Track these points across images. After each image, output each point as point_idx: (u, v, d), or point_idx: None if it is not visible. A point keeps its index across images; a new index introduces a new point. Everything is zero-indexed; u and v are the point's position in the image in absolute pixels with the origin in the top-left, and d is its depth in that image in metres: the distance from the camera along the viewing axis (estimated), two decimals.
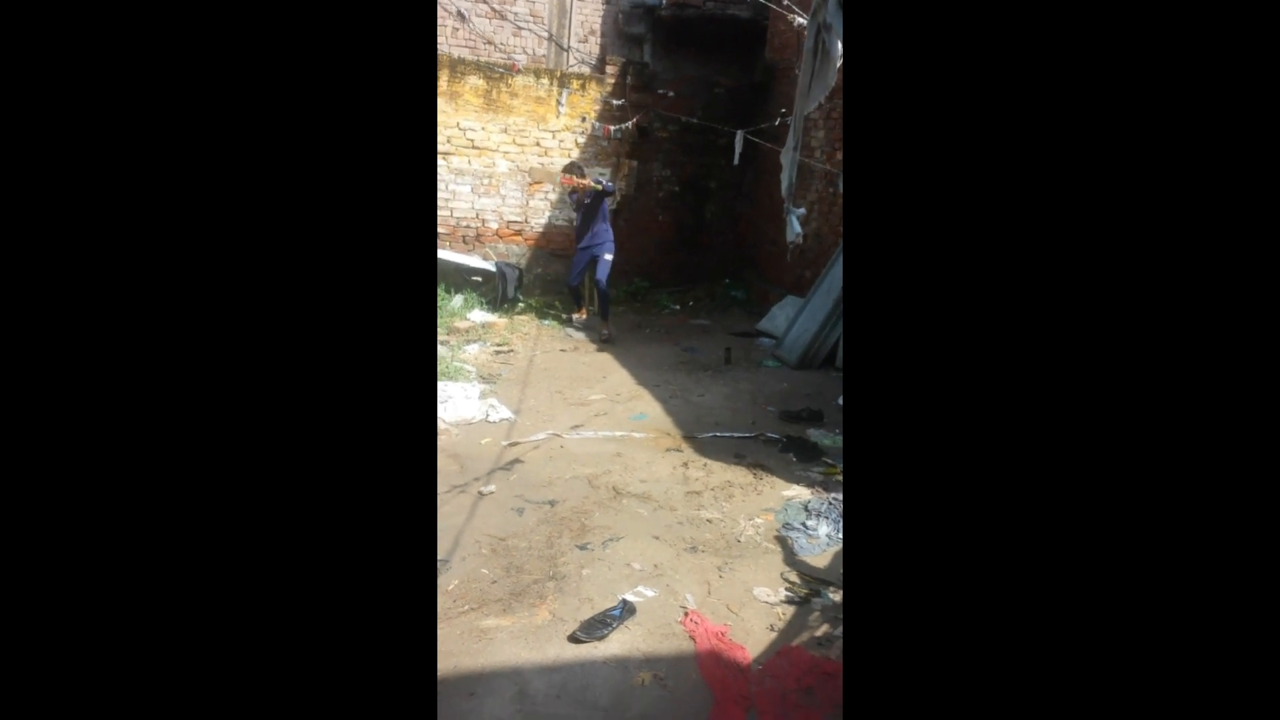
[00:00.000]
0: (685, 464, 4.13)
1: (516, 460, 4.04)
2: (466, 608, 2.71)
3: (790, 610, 2.82)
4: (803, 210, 4.87)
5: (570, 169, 6.75)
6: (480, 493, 3.64)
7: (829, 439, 4.54)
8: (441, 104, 7.56)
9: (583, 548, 3.19)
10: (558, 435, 4.43)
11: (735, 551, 3.22)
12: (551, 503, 3.59)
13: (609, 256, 6.58)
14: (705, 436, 4.53)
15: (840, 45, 3.73)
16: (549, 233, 8.05)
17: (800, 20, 4.62)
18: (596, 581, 2.93)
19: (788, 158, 4.47)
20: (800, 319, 6.25)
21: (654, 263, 8.42)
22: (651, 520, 3.47)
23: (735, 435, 4.55)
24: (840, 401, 5.19)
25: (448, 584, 2.86)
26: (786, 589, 2.95)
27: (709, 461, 4.17)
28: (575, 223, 6.95)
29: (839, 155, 6.71)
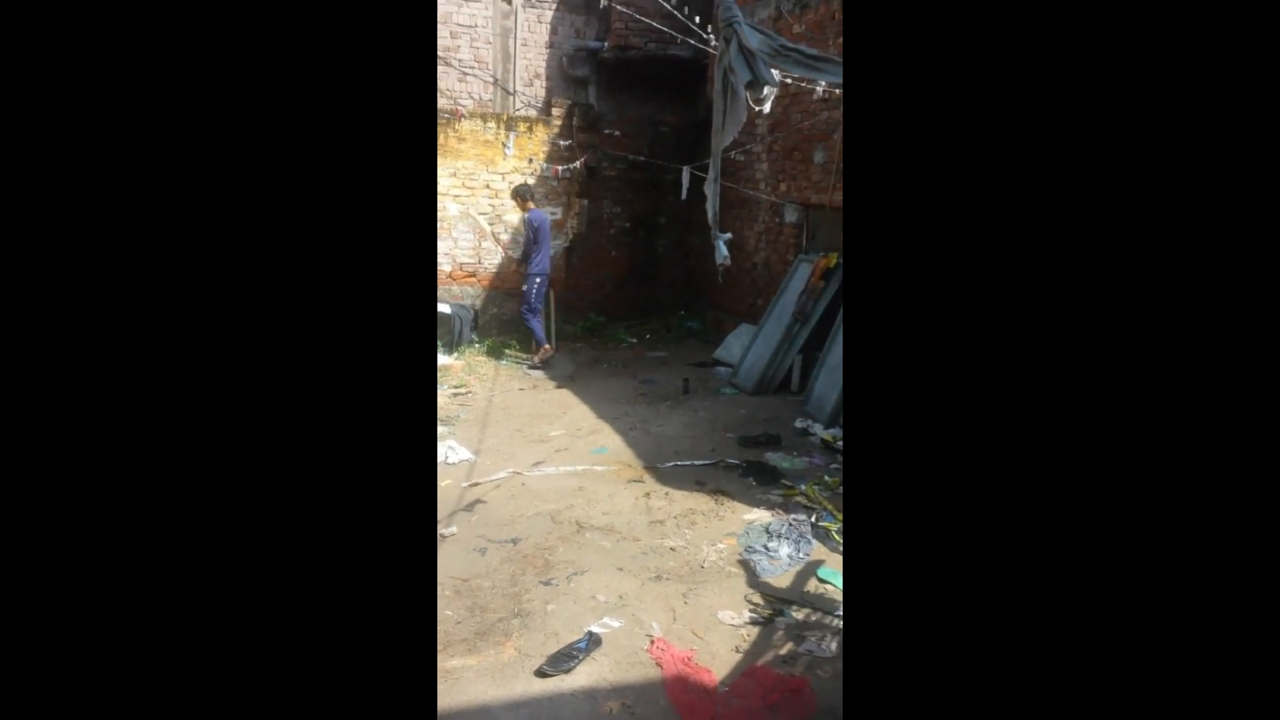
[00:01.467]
0: (648, 494, 4.15)
1: (478, 501, 4.03)
2: None
3: (755, 631, 2.85)
4: (729, 235, 5.06)
5: (519, 191, 6.89)
6: (441, 535, 3.61)
7: (787, 462, 4.61)
8: None
9: (547, 583, 3.18)
10: (519, 473, 4.42)
11: (699, 577, 3.25)
12: (514, 541, 3.58)
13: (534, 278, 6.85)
14: (667, 466, 4.56)
15: (743, 89, 3.93)
16: (502, 273, 8.09)
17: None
18: (562, 616, 2.92)
19: (710, 188, 4.69)
20: (754, 346, 6.37)
21: (609, 298, 8.50)
22: (615, 552, 3.48)
23: (696, 463, 4.60)
24: (796, 424, 5.28)
25: None
26: (750, 610, 2.98)
27: (671, 490, 4.20)
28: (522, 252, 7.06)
29: (782, 187, 6.91)
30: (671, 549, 3.52)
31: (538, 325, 6.92)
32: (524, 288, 6.88)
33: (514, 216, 8.10)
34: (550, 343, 7.05)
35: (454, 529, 3.68)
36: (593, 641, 2.70)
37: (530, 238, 6.73)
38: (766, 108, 3.99)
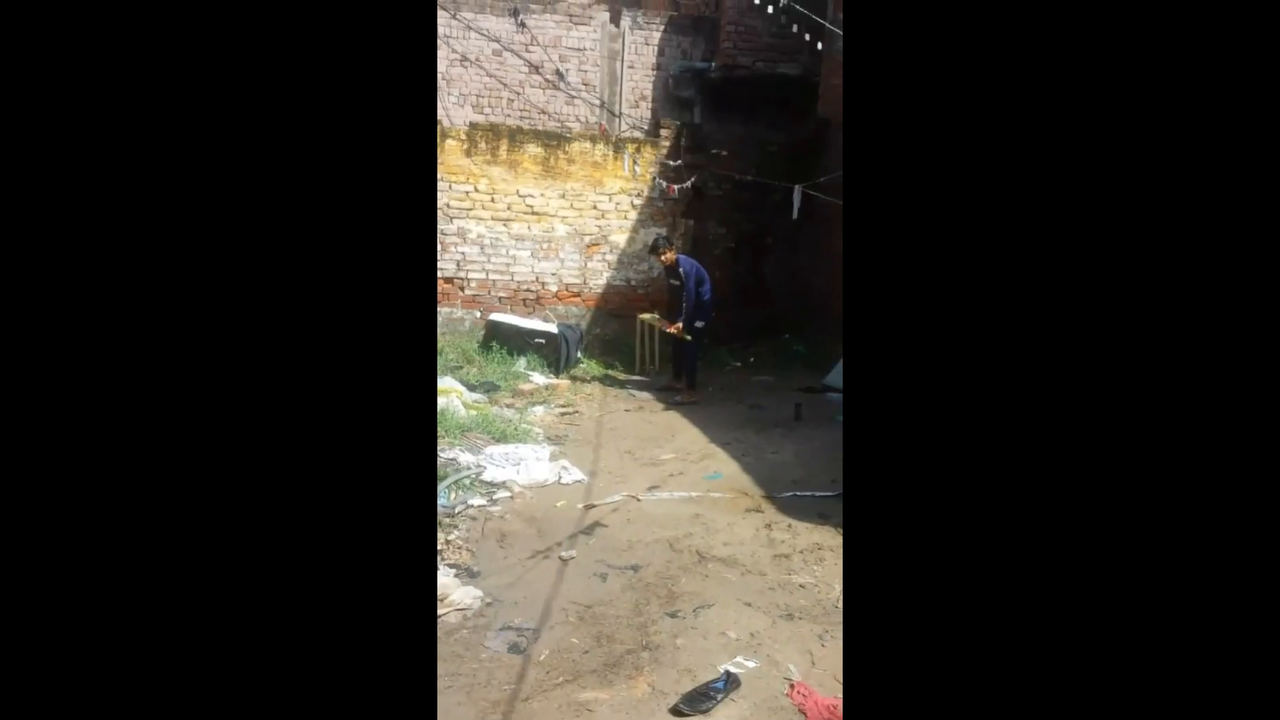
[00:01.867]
0: (768, 525, 3.99)
1: (596, 524, 3.95)
2: (561, 679, 2.60)
3: None
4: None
5: (657, 245, 6.70)
6: (562, 558, 3.55)
7: None
8: (501, 172, 7.76)
9: (673, 615, 3.06)
10: (634, 497, 4.33)
11: (835, 618, 3.06)
12: (635, 568, 3.48)
13: (697, 324, 6.56)
14: (785, 496, 4.39)
15: None
16: (607, 294, 8.10)
17: None
18: (692, 651, 2.80)
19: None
20: None
21: (713, 321, 8.37)
22: (741, 586, 3.33)
23: (816, 494, 4.40)
24: None
25: (539, 654, 2.76)
26: None
27: (793, 522, 4.02)
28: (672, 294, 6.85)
29: None
30: (801, 586, 3.35)
31: (694, 368, 6.67)
32: (689, 334, 6.53)
33: (620, 238, 8.11)
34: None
35: (574, 552, 3.61)
36: (731, 682, 2.56)
37: (692, 286, 6.44)
38: None
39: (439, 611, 2.98)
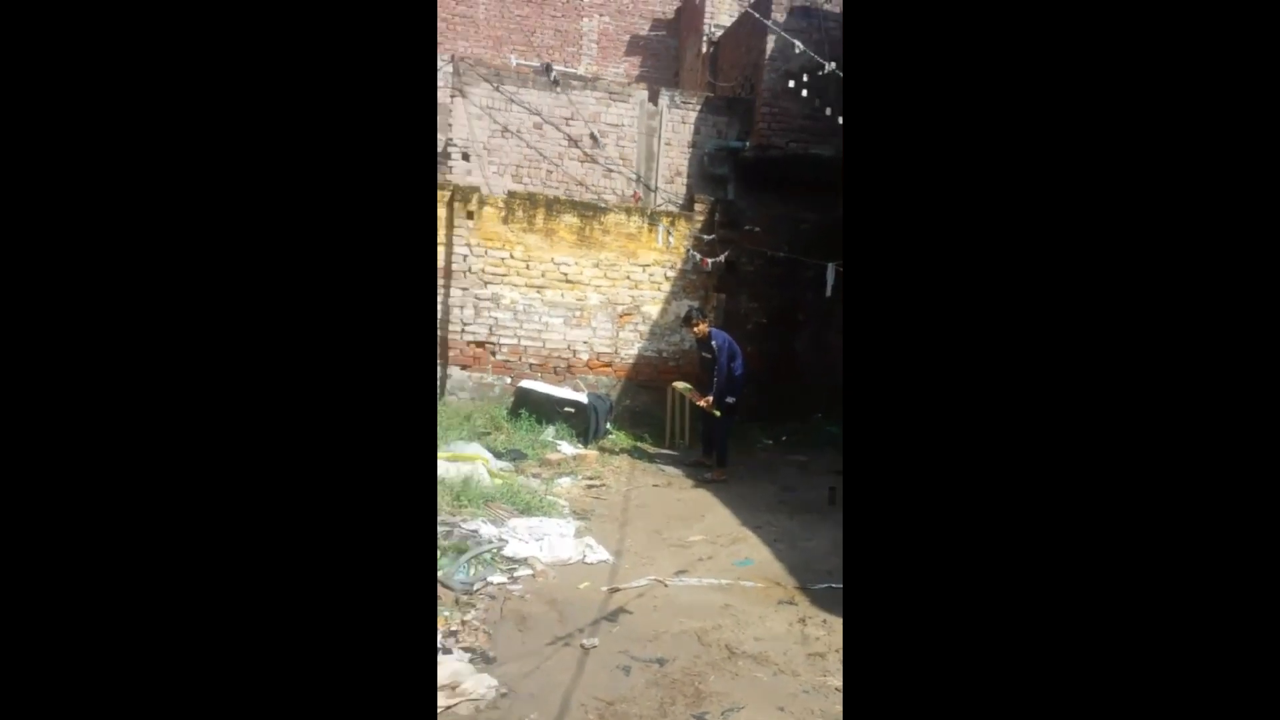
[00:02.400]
0: (802, 620, 3.76)
1: (620, 609, 3.76)
2: None
3: None
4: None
5: (690, 316, 6.64)
6: (583, 646, 3.36)
7: None
8: (537, 240, 7.83)
9: (699, 718, 2.85)
10: (660, 581, 4.14)
11: None
12: (660, 661, 3.27)
13: (728, 400, 6.42)
14: (820, 588, 4.16)
15: None
16: (639, 364, 8.04)
17: None
18: None
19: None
20: None
21: (744, 396, 8.25)
22: (772, 687, 3.11)
23: None
24: None
25: None
26: None
27: (829, 617, 3.79)
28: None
29: None
30: (837, 689, 3.11)
31: (724, 445, 6.51)
32: (719, 409, 6.43)
33: (652, 309, 8.09)
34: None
35: (596, 640, 3.42)
36: None
37: (724, 361, 6.36)
38: None
39: (448, 702, 2.80)
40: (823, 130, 8.54)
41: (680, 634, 3.54)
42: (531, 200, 7.94)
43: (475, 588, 3.81)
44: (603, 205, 8.15)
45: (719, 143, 9.73)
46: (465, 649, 3.24)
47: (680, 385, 7.27)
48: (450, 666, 3.01)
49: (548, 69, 9.53)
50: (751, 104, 9.55)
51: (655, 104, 9.89)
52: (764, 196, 9.13)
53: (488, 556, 4.16)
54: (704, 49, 12.50)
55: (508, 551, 4.25)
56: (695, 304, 7.72)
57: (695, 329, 6.55)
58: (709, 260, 7.93)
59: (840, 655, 3.40)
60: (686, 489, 6.07)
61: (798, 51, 8.51)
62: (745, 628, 3.63)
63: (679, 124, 10.06)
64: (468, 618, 3.50)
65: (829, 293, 7.59)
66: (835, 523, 5.32)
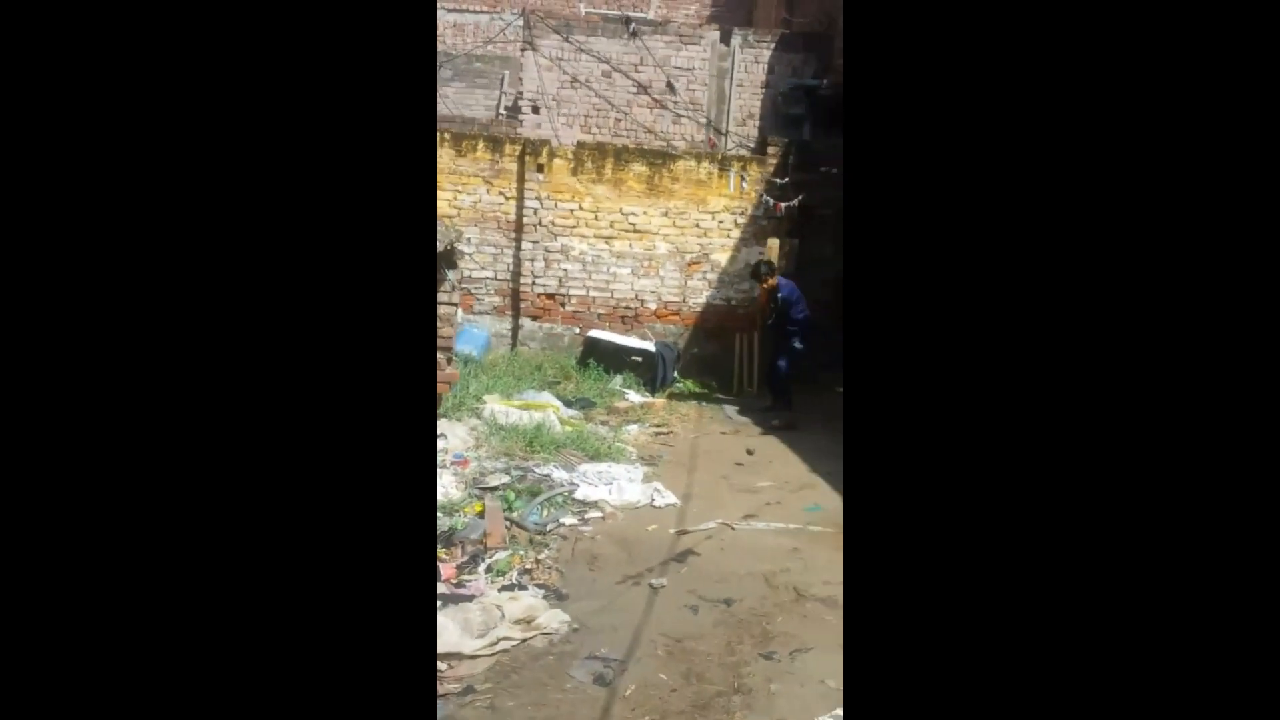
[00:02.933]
0: None
1: (688, 551, 3.81)
2: (647, 717, 2.47)
3: None
4: None
5: (759, 271, 6.56)
6: (652, 586, 3.42)
7: None
8: (605, 190, 7.79)
9: (768, 657, 2.88)
10: (728, 525, 4.16)
11: None
12: (728, 602, 3.31)
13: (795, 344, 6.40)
14: None
15: None
16: (707, 312, 7.98)
17: None
18: (788, 699, 2.60)
19: None
20: None
21: (818, 343, 8.11)
22: (841, 630, 3.10)
23: None
24: None
25: (624, 688, 2.63)
26: None
27: None
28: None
29: None
30: None
31: (788, 388, 6.52)
32: (784, 359, 6.47)
33: (721, 256, 7.98)
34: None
35: (664, 580, 3.47)
36: None
37: (792, 311, 6.38)
38: None
39: (524, 635, 2.90)
40: None
41: (747, 576, 3.56)
42: (600, 150, 7.88)
43: (548, 528, 3.92)
44: (672, 152, 8.02)
45: (794, 81, 9.41)
46: (539, 586, 3.35)
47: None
48: (525, 602, 3.12)
49: (626, 21, 9.33)
50: (830, 39, 9.17)
51: (727, 44, 9.62)
52: (842, 137, 8.82)
53: (559, 499, 4.26)
54: None
55: (578, 495, 4.34)
56: (764, 255, 7.59)
57: (766, 283, 6.45)
58: (782, 205, 7.73)
59: None
60: (754, 435, 6.05)
61: None
62: (813, 571, 3.63)
63: (752, 64, 9.77)
64: (541, 556, 3.61)
65: None
66: None
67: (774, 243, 7.34)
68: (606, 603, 3.25)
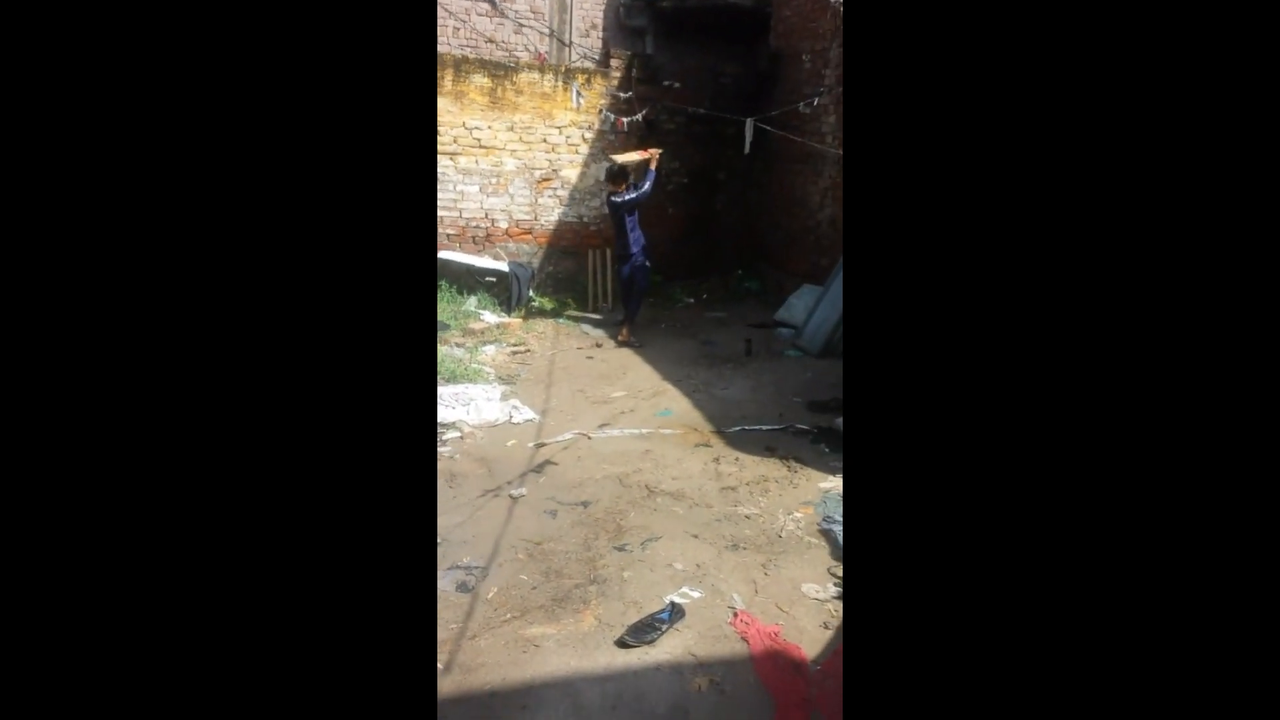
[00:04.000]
0: (716, 459, 4.05)
1: (546, 462, 3.97)
2: (509, 615, 2.64)
3: (841, 605, 2.74)
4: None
5: (614, 174, 6.41)
6: (512, 496, 3.57)
7: None
8: (446, 104, 7.48)
9: (621, 549, 3.11)
10: (584, 435, 4.35)
11: (778, 548, 3.14)
12: (584, 504, 3.51)
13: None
14: (734, 430, 4.45)
15: None
16: (560, 230, 7.97)
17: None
18: (639, 584, 2.85)
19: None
20: (820, 307, 6.17)
21: (665, 256, 8.32)
22: (688, 518, 3.39)
23: (764, 428, 4.47)
24: None
25: (487, 592, 2.78)
26: (835, 584, 2.87)
27: (741, 455, 4.09)
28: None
29: None
30: (746, 517, 3.42)
31: (635, 306, 6.51)
32: (629, 268, 6.36)
33: (571, 172, 7.94)
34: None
35: (524, 490, 3.63)
36: (676, 613, 2.62)
37: (633, 194, 6.23)
38: None
39: None
40: None
41: (603, 479, 3.78)
42: (439, 61, 7.52)
43: None
44: (514, 64, 7.78)
45: None
46: None
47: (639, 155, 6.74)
48: None
49: None
50: None
51: None
52: (684, 50, 8.85)
53: None
54: None
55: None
56: (619, 161, 7.62)
57: (620, 187, 6.44)
58: (624, 121, 7.74)
59: (749, 488, 3.70)
60: (609, 349, 6.23)
61: None
62: (664, 469, 3.90)
63: None
64: None
65: (747, 150, 7.57)
66: (750, 372, 5.60)
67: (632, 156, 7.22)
68: (467, 516, 3.37)
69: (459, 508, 3.45)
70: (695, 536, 3.23)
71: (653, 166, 6.33)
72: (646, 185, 6.25)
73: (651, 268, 6.57)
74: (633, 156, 6.58)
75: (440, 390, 4.78)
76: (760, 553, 3.10)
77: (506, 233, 7.85)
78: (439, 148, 7.53)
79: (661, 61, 8.35)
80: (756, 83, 8.26)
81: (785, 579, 2.90)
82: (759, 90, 8.19)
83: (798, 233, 7.58)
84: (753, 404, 4.93)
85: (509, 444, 4.20)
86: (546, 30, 9.36)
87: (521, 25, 9.34)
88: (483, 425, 4.43)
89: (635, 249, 6.33)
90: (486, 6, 9.15)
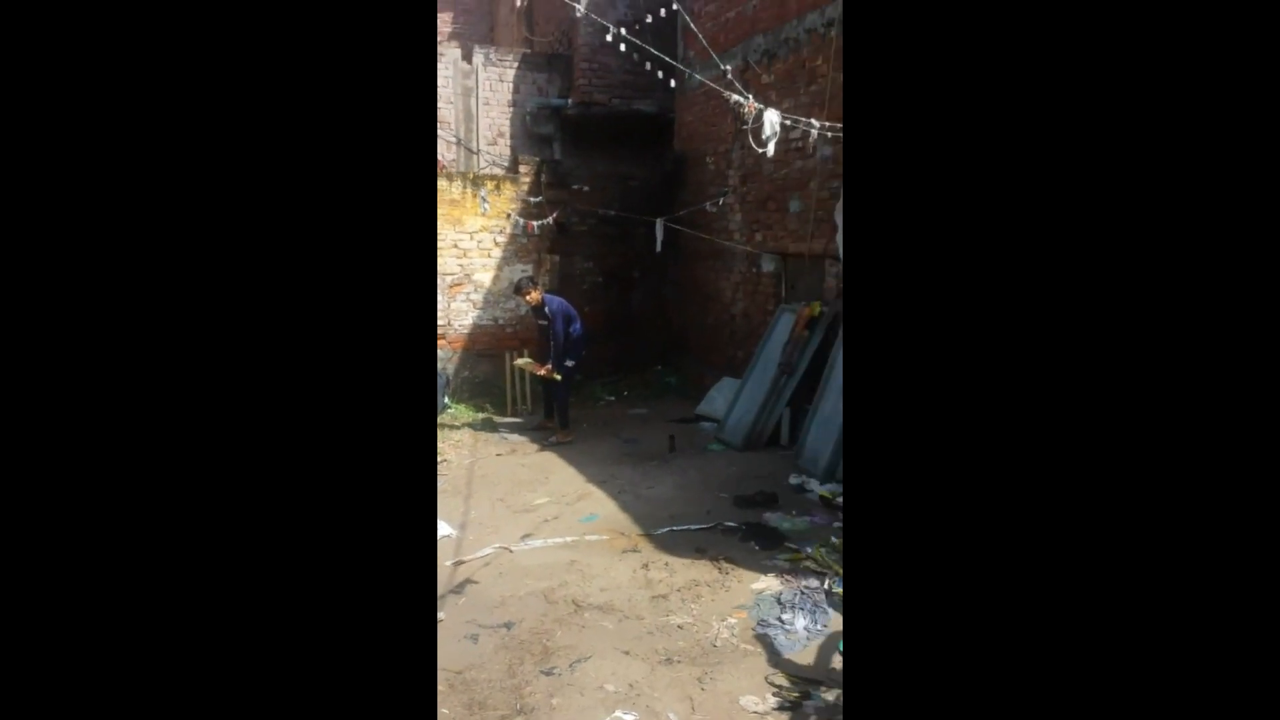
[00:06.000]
0: (645, 565, 3.91)
1: (466, 580, 3.74)
2: None
3: (783, 717, 2.61)
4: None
5: (521, 285, 6.51)
6: None
7: (788, 522, 4.41)
8: None
9: (548, 673, 2.91)
10: (506, 548, 4.15)
11: (713, 658, 3.00)
12: (508, 625, 3.30)
13: (567, 363, 6.38)
14: (662, 532, 4.33)
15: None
16: (474, 334, 7.87)
17: (737, 98, 4.76)
18: (568, 710, 2.66)
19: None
20: (740, 400, 6.21)
21: (583, 357, 8.31)
22: (618, 633, 3.22)
23: (693, 528, 4.37)
24: (791, 480, 5.10)
25: None
26: (774, 694, 2.74)
27: (670, 559, 3.96)
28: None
29: (758, 237, 6.87)
30: (679, 626, 3.28)
31: (565, 406, 6.46)
32: (560, 374, 6.34)
33: (484, 276, 7.93)
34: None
35: (442, 614, 3.39)
36: None
37: (560, 326, 6.27)
38: (770, 149, 3.97)
39: None
40: (644, 85, 8.59)
41: (527, 596, 3.57)
42: None
43: None
44: None
45: (540, 101, 9.56)
46: None
47: (521, 361, 7.14)
48: None
49: None
50: (570, 60, 9.44)
51: (470, 62, 9.56)
52: (592, 155, 9.10)
53: None
54: (518, 2, 12.16)
55: None
56: (526, 270, 7.63)
57: (528, 297, 6.47)
58: (534, 224, 7.83)
59: (681, 595, 3.57)
60: (531, 454, 6.07)
61: (615, 3, 8.50)
62: (591, 580, 3.73)
63: (497, 82, 9.78)
64: None
65: (659, 248, 7.74)
66: (676, 469, 5.53)
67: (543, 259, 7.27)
68: None
69: None
70: (626, 653, 3.06)
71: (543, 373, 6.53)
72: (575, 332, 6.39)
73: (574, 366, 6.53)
74: (533, 369, 6.79)
75: None
76: (695, 665, 2.95)
77: None
78: None
79: (570, 166, 8.57)
80: (663, 184, 8.55)
81: (722, 692, 2.75)
82: (666, 191, 8.47)
83: (713, 326, 7.71)
84: (680, 502, 4.83)
85: None
86: (454, 139, 9.51)
87: None
88: None
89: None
90: None
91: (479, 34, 13.52)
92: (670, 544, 4.18)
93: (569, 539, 4.27)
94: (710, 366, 7.63)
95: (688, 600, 3.51)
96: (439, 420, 6.86)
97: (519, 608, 3.46)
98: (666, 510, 4.69)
